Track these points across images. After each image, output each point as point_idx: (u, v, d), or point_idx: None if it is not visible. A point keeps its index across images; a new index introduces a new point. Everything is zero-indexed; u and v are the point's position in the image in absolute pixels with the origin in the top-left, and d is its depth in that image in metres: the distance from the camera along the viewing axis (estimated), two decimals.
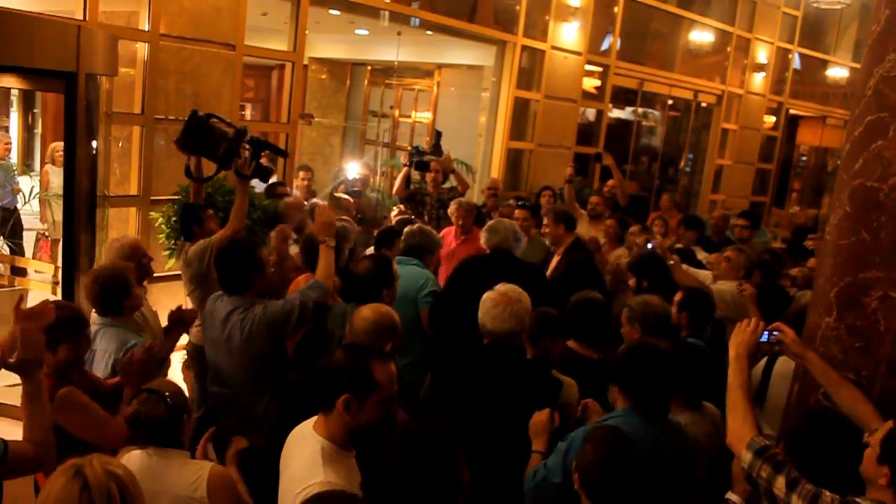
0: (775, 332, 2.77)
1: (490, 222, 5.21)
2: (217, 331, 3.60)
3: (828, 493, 2.09)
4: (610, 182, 8.52)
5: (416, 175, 7.50)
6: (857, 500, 2.07)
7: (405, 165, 7.28)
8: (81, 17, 5.53)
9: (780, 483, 2.15)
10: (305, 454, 2.33)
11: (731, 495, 2.66)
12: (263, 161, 4.53)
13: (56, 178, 7.31)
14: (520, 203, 6.64)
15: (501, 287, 3.50)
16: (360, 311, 3.29)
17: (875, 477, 2.09)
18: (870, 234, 2.82)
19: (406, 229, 5.05)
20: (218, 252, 3.86)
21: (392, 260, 4.24)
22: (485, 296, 3.46)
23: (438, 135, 7.29)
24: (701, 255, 6.25)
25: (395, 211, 6.84)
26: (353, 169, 7.99)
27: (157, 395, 2.61)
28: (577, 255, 5.48)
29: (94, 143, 4.46)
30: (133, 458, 2.61)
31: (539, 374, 3.38)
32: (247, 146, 4.42)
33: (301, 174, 7.44)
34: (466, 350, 3.53)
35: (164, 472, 2.59)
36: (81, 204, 4.26)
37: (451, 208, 6.16)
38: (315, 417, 2.46)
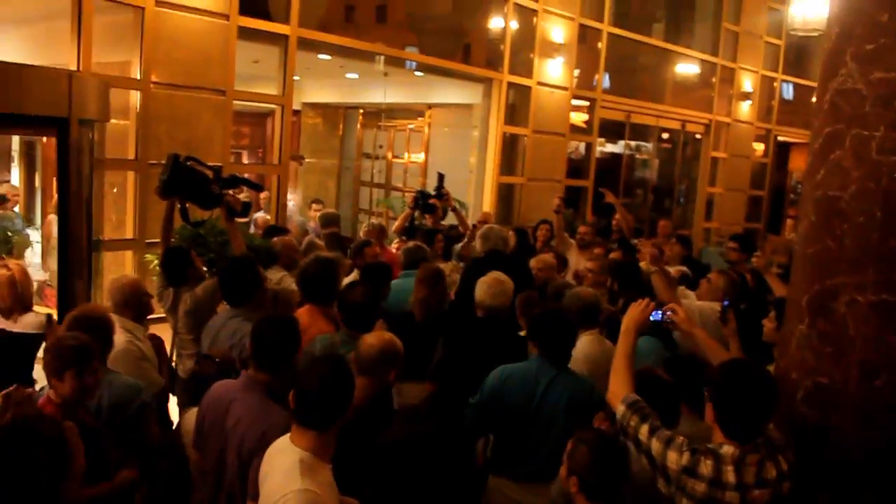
0: (668, 312, 3.16)
1: (480, 230, 6.21)
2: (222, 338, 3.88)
3: (680, 437, 2.50)
4: (616, 216, 8.59)
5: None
6: (708, 446, 2.48)
7: (410, 208, 7.47)
8: (75, 68, 5.70)
9: (644, 430, 2.57)
10: (284, 466, 2.34)
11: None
12: (243, 197, 4.66)
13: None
14: None
15: (493, 273, 4.57)
16: (366, 339, 3.28)
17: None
18: (834, 242, 2.90)
19: (403, 249, 5.98)
20: (222, 270, 4.19)
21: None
22: (480, 280, 4.53)
23: (441, 177, 7.47)
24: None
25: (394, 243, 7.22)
26: None
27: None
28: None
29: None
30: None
31: (522, 340, 4.14)
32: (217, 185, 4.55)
33: (314, 206, 8.24)
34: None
35: None
36: (75, 246, 4.34)
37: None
38: (288, 434, 2.47)
